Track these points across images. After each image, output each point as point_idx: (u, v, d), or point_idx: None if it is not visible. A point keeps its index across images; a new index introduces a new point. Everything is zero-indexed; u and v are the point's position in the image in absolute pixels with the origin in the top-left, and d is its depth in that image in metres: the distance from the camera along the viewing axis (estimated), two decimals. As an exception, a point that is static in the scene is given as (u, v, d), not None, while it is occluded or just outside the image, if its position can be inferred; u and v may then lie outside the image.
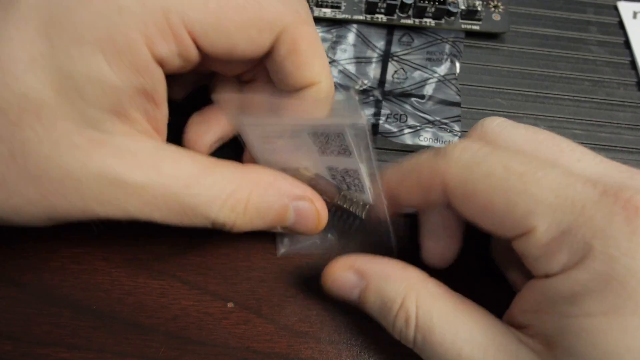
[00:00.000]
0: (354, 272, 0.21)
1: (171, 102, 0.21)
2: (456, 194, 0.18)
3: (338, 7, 0.31)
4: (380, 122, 0.28)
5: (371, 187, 0.22)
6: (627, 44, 0.33)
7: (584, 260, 0.15)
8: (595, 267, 0.15)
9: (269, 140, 0.22)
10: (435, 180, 0.19)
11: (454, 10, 0.31)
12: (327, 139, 0.21)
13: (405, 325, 0.20)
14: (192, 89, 0.26)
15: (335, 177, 0.22)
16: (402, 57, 0.31)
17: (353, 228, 0.24)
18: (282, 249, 0.25)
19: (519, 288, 0.21)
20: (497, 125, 0.20)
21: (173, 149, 0.20)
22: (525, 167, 0.17)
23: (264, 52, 0.20)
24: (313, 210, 0.22)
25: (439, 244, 0.23)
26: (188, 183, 0.19)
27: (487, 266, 0.24)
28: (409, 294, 0.20)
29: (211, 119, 0.24)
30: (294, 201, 0.21)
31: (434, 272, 0.21)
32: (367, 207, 0.23)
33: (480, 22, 0.32)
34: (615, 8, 0.34)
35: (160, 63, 0.19)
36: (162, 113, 0.20)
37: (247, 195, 0.20)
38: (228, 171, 0.20)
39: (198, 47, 0.19)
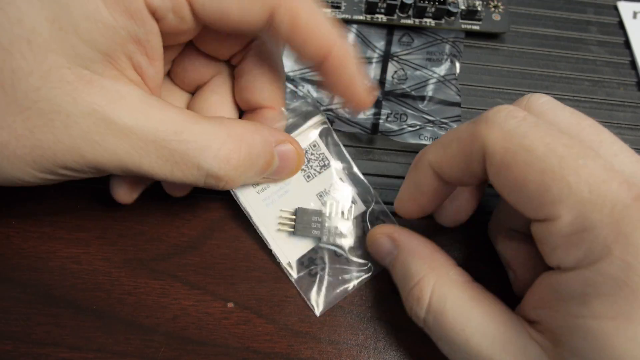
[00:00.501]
0: (391, 240, 0.22)
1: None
2: (493, 161, 0.18)
3: (338, 7, 0.31)
4: (381, 121, 0.28)
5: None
6: (627, 44, 0.33)
7: (600, 261, 0.15)
8: (610, 272, 0.15)
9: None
10: (475, 145, 0.18)
11: (454, 10, 0.31)
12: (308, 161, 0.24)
13: (416, 303, 0.20)
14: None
15: (324, 202, 0.25)
16: (402, 57, 0.31)
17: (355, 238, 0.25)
18: (320, 307, 0.24)
19: (514, 272, 0.22)
20: (543, 103, 0.19)
21: (160, 100, 0.19)
22: (568, 150, 0.16)
23: (257, 24, 0.20)
24: (294, 151, 0.23)
25: (453, 204, 0.23)
26: (177, 129, 0.19)
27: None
28: (428, 274, 0.20)
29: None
30: (278, 145, 0.22)
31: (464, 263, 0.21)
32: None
33: (480, 22, 0.32)
34: (615, 8, 0.34)
35: (155, 15, 0.19)
36: (156, 70, 0.20)
37: (238, 145, 0.20)
38: (215, 122, 0.20)
39: (191, 6, 0.19)
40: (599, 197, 0.15)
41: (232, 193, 0.24)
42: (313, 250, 0.24)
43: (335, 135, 0.25)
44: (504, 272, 0.23)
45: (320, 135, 0.25)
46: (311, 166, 0.25)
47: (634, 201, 0.15)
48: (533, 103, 0.20)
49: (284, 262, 0.24)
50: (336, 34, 0.21)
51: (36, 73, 0.17)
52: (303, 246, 0.24)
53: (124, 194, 0.23)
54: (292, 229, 0.24)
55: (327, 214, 0.24)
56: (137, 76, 0.20)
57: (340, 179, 0.25)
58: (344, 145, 0.25)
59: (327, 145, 0.25)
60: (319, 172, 0.25)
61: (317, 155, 0.25)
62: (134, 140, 0.18)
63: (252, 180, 0.22)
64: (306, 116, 0.25)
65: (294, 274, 0.24)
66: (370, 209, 0.25)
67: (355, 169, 0.25)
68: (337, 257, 0.24)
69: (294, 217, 0.24)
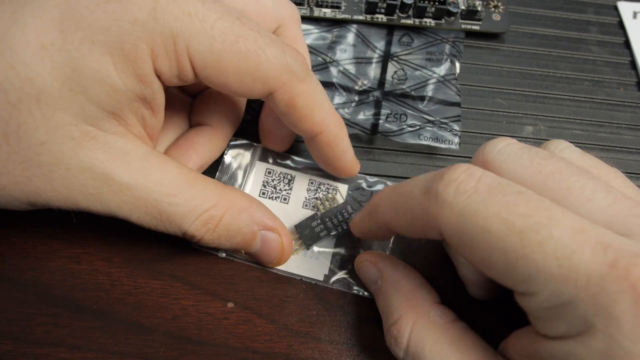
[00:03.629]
0: (376, 269, 0.22)
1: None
2: (452, 242, 0.17)
3: (338, 7, 0.31)
4: (380, 121, 0.28)
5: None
6: (627, 44, 0.33)
7: (584, 335, 0.14)
8: (594, 345, 0.14)
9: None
10: (430, 223, 0.17)
11: (454, 10, 0.31)
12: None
13: (394, 343, 0.20)
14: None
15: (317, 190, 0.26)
16: (402, 57, 0.31)
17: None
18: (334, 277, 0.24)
19: (469, 283, 0.22)
20: (498, 153, 0.18)
21: (162, 156, 0.21)
22: (527, 222, 0.15)
23: (256, 97, 0.21)
24: (279, 243, 0.23)
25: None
26: (170, 192, 0.20)
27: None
28: (408, 313, 0.20)
29: (189, 149, 0.24)
30: (263, 230, 0.22)
31: (447, 297, 0.21)
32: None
33: (480, 22, 0.32)
34: (615, 8, 0.34)
35: (160, 78, 0.19)
36: (158, 120, 0.21)
37: (221, 214, 0.21)
38: (209, 188, 0.21)
39: (195, 74, 0.20)
40: (570, 271, 0.14)
41: (234, 258, 0.24)
42: (335, 247, 0.25)
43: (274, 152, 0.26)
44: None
45: (263, 159, 0.26)
46: (281, 189, 0.25)
47: (611, 269, 0.14)
48: (488, 154, 0.19)
49: (321, 278, 0.24)
50: (331, 115, 0.22)
51: (42, 129, 0.18)
52: (325, 255, 0.25)
53: None
54: (305, 247, 0.24)
55: (324, 211, 0.25)
56: (141, 130, 0.21)
57: (310, 180, 0.25)
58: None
59: (276, 162, 0.26)
60: (291, 188, 0.25)
61: (279, 177, 0.26)
62: (127, 196, 0.19)
63: (230, 249, 0.23)
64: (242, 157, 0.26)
65: (335, 277, 0.24)
66: (350, 184, 0.26)
67: (310, 161, 0.26)
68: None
69: (297, 235, 0.24)
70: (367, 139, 0.28)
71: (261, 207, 0.22)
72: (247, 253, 0.23)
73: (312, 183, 0.25)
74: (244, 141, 0.26)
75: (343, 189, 0.25)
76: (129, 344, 0.22)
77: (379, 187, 0.25)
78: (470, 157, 0.28)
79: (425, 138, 0.27)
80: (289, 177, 0.25)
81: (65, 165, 0.18)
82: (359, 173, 0.25)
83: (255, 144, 0.25)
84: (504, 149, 0.18)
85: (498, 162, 0.18)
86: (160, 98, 0.20)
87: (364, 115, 0.28)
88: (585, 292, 0.14)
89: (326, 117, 0.22)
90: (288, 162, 0.26)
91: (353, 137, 0.28)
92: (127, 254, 0.24)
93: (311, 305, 0.24)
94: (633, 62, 0.32)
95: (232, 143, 0.26)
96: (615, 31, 0.33)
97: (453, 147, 0.27)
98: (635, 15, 0.34)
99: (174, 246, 0.24)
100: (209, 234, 0.21)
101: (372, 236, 0.23)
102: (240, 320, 0.23)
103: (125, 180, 0.19)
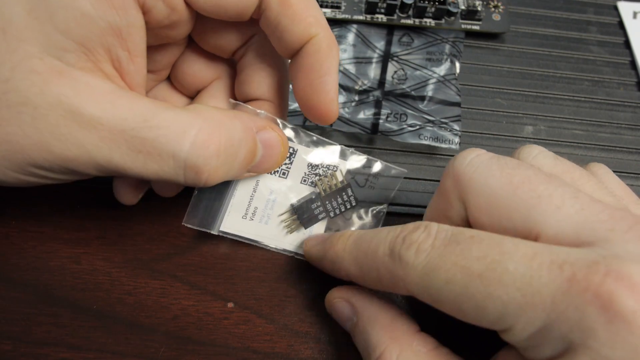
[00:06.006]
0: (349, 305, 0.21)
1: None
2: (423, 298, 0.17)
3: (338, 7, 0.31)
4: (381, 121, 0.28)
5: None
6: (627, 44, 0.33)
7: (567, 352, 0.15)
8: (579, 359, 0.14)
9: None
10: (398, 285, 0.18)
11: (454, 10, 0.31)
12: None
13: None
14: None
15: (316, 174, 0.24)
16: (402, 57, 0.31)
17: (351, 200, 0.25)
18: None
19: None
20: (468, 166, 0.18)
21: (132, 92, 0.18)
22: (483, 263, 0.15)
23: (252, 6, 0.20)
24: (277, 138, 0.21)
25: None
26: (147, 116, 0.17)
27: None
28: (390, 347, 0.19)
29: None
30: (259, 132, 0.21)
31: (427, 325, 0.20)
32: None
33: (480, 22, 0.32)
34: (615, 8, 0.34)
35: (143, 6, 0.18)
36: (137, 68, 0.19)
37: (217, 129, 0.18)
38: (189, 109, 0.19)
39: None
40: (534, 297, 0.15)
41: (228, 235, 0.23)
42: (330, 224, 0.25)
43: (278, 120, 0.23)
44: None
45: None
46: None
47: (571, 284, 0.14)
48: (458, 168, 0.19)
49: None
50: (325, 21, 0.20)
51: (7, 63, 0.16)
52: (318, 230, 0.24)
53: (127, 196, 0.23)
54: (303, 226, 0.24)
55: (322, 192, 0.24)
56: (113, 71, 0.19)
57: (312, 155, 0.24)
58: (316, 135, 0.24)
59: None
60: (291, 163, 0.24)
61: None
62: (101, 131, 0.17)
63: (235, 174, 0.20)
64: None
65: None
66: (349, 165, 0.25)
67: (316, 138, 0.24)
68: (352, 211, 0.25)
69: (295, 215, 0.24)
70: (367, 139, 0.28)
71: (242, 111, 0.21)
72: (251, 169, 0.21)
73: (313, 159, 0.24)
74: (248, 107, 0.24)
75: (343, 166, 0.24)
76: (129, 344, 0.22)
77: (378, 167, 0.25)
78: (470, 157, 0.28)
79: (426, 138, 0.27)
80: (290, 150, 0.24)
81: (32, 104, 0.17)
82: (357, 150, 0.24)
83: (258, 110, 0.23)
84: (474, 160, 0.18)
85: (468, 175, 0.18)
86: (138, 35, 0.18)
87: (364, 115, 0.28)
88: (554, 312, 0.14)
89: (320, 19, 0.20)
90: (292, 134, 0.24)
91: (353, 137, 0.28)
92: (127, 254, 0.24)
93: (311, 305, 0.24)
94: (633, 62, 0.32)
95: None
96: (615, 31, 0.33)
97: (453, 147, 0.27)
98: (635, 15, 0.34)
99: (174, 246, 0.24)
100: (215, 157, 0.18)
101: (326, 272, 0.22)
102: (240, 320, 0.23)
103: (95, 113, 0.17)
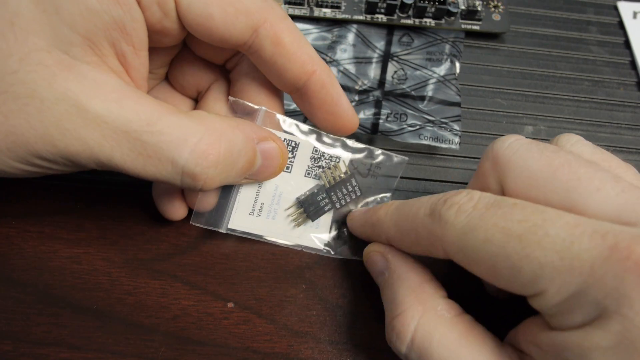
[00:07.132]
0: (384, 260, 0.22)
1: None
2: (458, 259, 0.18)
3: (338, 7, 0.31)
4: (381, 121, 0.28)
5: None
6: (627, 44, 0.33)
7: (599, 319, 0.15)
8: (610, 327, 0.14)
9: None
10: (435, 245, 0.18)
11: (454, 10, 0.31)
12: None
13: (396, 337, 0.19)
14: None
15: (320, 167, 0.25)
16: (402, 57, 0.31)
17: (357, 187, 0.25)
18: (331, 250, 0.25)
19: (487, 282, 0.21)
20: (508, 148, 0.19)
21: (138, 90, 0.19)
22: (524, 226, 0.16)
23: (241, 37, 0.20)
24: (277, 149, 0.22)
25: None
26: (151, 120, 0.18)
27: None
28: (414, 307, 0.19)
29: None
30: (260, 143, 0.21)
31: (455, 292, 0.21)
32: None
33: (480, 22, 0.32)
34: (615, 8, 0.34)
35: (140, 4, 0.18)
36: (141, 62, 0.20)
37: (217, 140, 0.19)
38: (193, 115, 0.19)
39: (177, 4, 0.19)
40: (572, 260, 0.15)
41: (236, 232, 0.24)
42: (336, 216, 0.25)
43: (277, 115, 0.23)
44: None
45: (267, 124, 0.24)
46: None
47: (612, 251, 0.14)
48: (497, 150, 0.19)
49: (321, 246, 0.24)
50: (319, 57, 0.21)
51: (15, 55, 0.17)
52: (325, 222, 0.25)
53: (171, 210, 0.23)
54: (310, 218, 0.24)
55: (327, 184, 0.24)
56: (119, 66, 0.19)
57: (314, 148, 0.24)
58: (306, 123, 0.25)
59: (280, 128, 0.24)
60: (294, 156, 0.24)
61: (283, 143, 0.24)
62: (105, 130, 0.17)
63: (232, 181, 0.21)
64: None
65: (332, 250, 0.24)
66: (352, 154, 0.25)
67: (316, 131, 0.24)
68: (357, 201, 0.25)
69: (301, 208, 0.24)
70: (367, 139, 0.28)
71: (245, 120, 0.21)
72: (249, 176, 0.22)
73: (316, 151, 0.24)
74: (248, 103, 0.24)
75: (345, 157, 0.25)
76: (129, 344, 0.22)
77: (379, 157, 0.25)
78: (471, 157, 0.28)
79: (426, 138, 0.27)
80: (293, 144, 0.24)
81: (38, 97, 0.17)
82: (357, 139, 0.24)
83: (257, 107, 0.23)
84: (513, 143, 0.19)
85: (508, 157, 0.18)
86: (141, 30, 0.19)
87: (365, 115, 0.28)
88: (591, 277, 0.14)
89: (314, 56, 0.21)
90: (292, 128, 0.24)
91: (353, 137, 0.28)
92: (127, 254, 0.24)
93: (311, 305, 0.24)
94: (633, 62, 0.32)
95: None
96: (615, 31, 0.33)
97: (453, 146, 0.27)
98: (635, 15, 0.34)
99: (174, 246, 0.24)
100: (212, 167, 0.19)
101: (368, 240, 0.23)
102: (240, 320, 0.23)
103: (100, 112, 0.17)
